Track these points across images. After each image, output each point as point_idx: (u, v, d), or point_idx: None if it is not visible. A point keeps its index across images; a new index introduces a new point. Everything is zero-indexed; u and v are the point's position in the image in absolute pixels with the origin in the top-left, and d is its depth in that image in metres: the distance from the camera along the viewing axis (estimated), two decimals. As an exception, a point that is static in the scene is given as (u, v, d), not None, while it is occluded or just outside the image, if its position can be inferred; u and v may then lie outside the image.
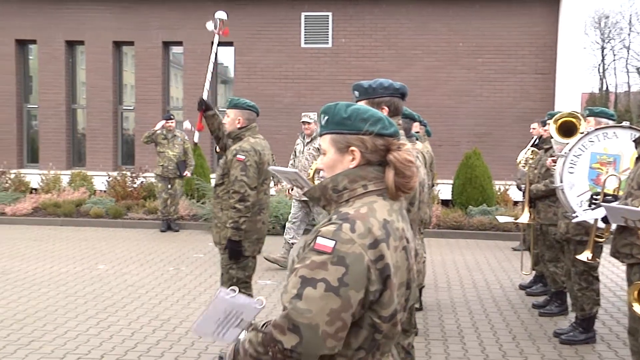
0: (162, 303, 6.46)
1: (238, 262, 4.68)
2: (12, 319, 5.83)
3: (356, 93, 3.13)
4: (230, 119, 4.78)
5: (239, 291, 4.59)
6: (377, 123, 1.86)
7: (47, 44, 14.22)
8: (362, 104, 2.00)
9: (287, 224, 8.12)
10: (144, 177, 12.57)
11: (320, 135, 1.94)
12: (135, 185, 12.43)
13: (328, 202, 1.88)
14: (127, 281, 7.32)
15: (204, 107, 4.96)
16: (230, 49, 14.05)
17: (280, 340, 1.70)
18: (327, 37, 13.63)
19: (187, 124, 6.88)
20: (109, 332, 5.51)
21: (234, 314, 1.99)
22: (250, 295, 4.82)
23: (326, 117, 1.92)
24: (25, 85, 14.80)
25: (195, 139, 5.64)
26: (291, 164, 8.17)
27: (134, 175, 12.55)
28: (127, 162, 14.48)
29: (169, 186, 10.64)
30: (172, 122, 10.60)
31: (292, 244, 7.95)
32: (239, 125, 4.76)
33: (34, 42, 14.40)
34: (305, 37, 13.66)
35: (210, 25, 5.72)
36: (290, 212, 8.28)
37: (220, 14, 5.72)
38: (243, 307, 1.97)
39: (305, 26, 13.64)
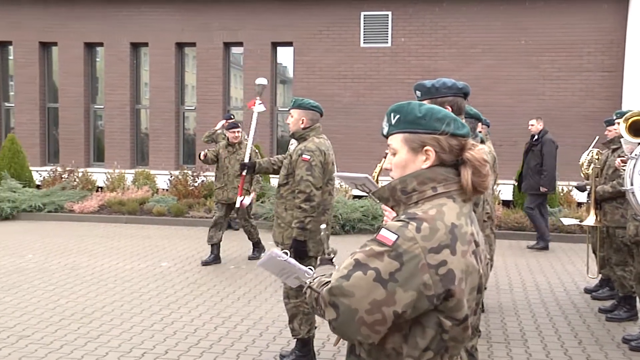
0: (224, 300, 6.56)
1: (302, 262, 4.69)
2: (82, 312, 6.02)
3: (418, 93, 3.11)
4: (294, 119, 4.81)
5: (302, 290, 4.61)
6: (452, 123, 1.84)
7: (113, 46, 14.62)
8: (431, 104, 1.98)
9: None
10: (205, 176, 12.79)
11: (389, 134, 1.93)
12: (196, 184, 12.66)
13: (397, 203, 1.88)
14: (189, 278, 7.46)
15: (246, 172, 5.56)
16: (290, 49, 14.15)
17: (323, 309, 1.75)
18: (387, 36, 13.56)
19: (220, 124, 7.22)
20: (173, 328, 5.63)
21: (288, 271, 2.13)
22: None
23: (397, 116, 1.90)
24: (92, 87, 15.25)
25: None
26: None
27: (195, 174, 12.79)
28: (188, 161, 14.76)
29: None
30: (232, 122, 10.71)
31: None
32: (302, 126, 4.80)
33: (101, 44, 14.83)
34: (364, 37, 13.63)
35: (261, 81, 5.91)
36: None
37: (261, 80, 5.93)
38: (295, 269, 2.10)
39: (364, 26, 13.61)
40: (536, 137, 9.73)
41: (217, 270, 7.88)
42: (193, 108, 14.82)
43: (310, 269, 2.08)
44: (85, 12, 14.52)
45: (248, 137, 5.57)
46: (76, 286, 6.99)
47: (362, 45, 13.68)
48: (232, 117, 10.91)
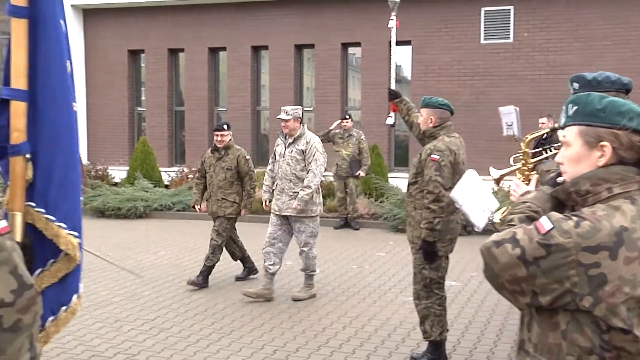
0: (349, 300, 6.59)
1: (432, 263, 4.64)
2: (214, 308, 6.24)
3: (575, 85, 2.96)
4: (423, 118, 4.76)
5: (433, 291, 4.52)
6: (635, 118, 1.73)
7: (235, 50, 15.09)
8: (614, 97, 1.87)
9: (266, 248, 6.54)
10: (324, 176, 12.93)
11: (565, 125, 1.85)
12: (315, 184, 12.82)
13: (575, 204, 1.83)
14: (314, 277, 7.54)
15: (393, 96, 5.17)
16: (407, 48, 14.03)
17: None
18: (509, 31, 13.14)
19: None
20: (302, 327, 5.72)
21: (481, 197, 2.16)
22: (443, 298, 4.76)
23: (575, 108, 1.82)
24: (215, 90, 15.83)
25: (390, 122, 5.77)
26: (270, 169, 6.76)
27: (314, 174, 12.95)
28: (307, 161, 14.96)
29: (344, 185, 10.85)
30: (348, 121, 10.77)
31: (274, 273, 6.52)
32: (431, 125, 4.73)
33: (223, 49, 15.35)
34: (485, 33, 13.28)
35: (391, 23, 5.78)
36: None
37: None
38: (488, 196, 2.13)
39: (485, 21, 13.26)
40: (545, 135, 9.29)
41: (340, 270, 7.93)
42: (311, 109, 15.03)
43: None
44: (210, 18, 15.07)
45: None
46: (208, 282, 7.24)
47: (482, 41, 13.34)
48: (349, 117, 10.98)
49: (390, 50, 13.84)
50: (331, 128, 10.92)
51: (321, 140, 10.99)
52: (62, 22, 2.33)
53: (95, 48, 15.94)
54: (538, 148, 9.39)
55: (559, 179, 1.92)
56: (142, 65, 16.22)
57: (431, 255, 4.60)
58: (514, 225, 1.82)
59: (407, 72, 14.59)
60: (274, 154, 6.74)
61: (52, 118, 2.33)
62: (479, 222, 4.01)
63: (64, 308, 2.41)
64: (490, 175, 4.39)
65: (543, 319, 1.77)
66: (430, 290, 4.71)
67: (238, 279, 7.35)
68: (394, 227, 10.59)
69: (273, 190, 6.73)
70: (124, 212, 12.07)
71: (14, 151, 2.26)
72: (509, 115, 7.66)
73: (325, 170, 12.44)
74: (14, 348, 1.70)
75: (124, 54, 15.84)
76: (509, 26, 13.14)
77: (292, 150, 6.47)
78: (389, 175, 12.85)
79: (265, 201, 6.90)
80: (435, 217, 4.49)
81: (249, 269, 7.47)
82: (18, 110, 2.23)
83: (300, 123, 6.55)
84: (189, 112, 15.57)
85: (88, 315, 5.92)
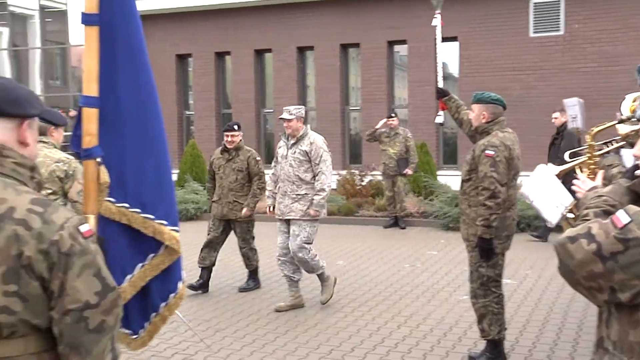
0: (403, 300, 6.54)
1: (488, 260, 4.56)
2: (267, 309, 6.26)
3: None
4: (475, 114, 4.68)
5: (490, 289, 4.44)
6: None
7: (281, 52, 15.17)
8: None
9: (281, 258, 6.27)
10: (372, 175, 12.88)
11: None
12: (363, 184, 12.78)
13: None
14: (366, 277, 7.52)
15: (441, 94, 5.07)
16: (454, 44, 13.87)
17: None
18: (559, 23, 12.88)
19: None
20: (356, 326, 5.70)
21: (554, 193, 2.11)
22: (501, 296, 4.68)
23: None
24: (262, 92, 15.93)
25: (439, 120, 5.68)
26: (272, 172, 6.42)
27: (362, 173, 12.92)
28: (355, 161, 14.95)
29: (392, 184, 10.78)
30: (394, 120, 10.70)
31: (298, 279, 6.35)
32: (484, 120, 4.65)
33: (269, 51, 15.44)
34: (534, 26, 13.05)
35: (435, 21, 5.71)
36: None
37: None
38: (561, 191, 2.08)
39: (534, 14, 13.02)
40: (558, 130, 9.24)
41: (392, 269, 7.88)
42: (358, 108, 15.00)
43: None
44: (255, 21, 15.18)
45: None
46: (262, 282, 7.26)
47: (531, 35, 13.11)
48: (394, 115, 10.91)
49: (435, 46, 13.77)
50: (377, 127, 10.87)
51: (368, 139, 11.06)
52: (134, 27, 2.40)
53: (144, 54, 16.23)
54: (552, 143, 9.26)
55: (637, 172, 1.86)
56: (190, 69, 16.45)
57: (488, 253, 4.52)
58: (589, 219, 1.77)
59: (454, 69, 14.42)
60: (276, 156, 6.41)
61: (142, 123, 2.46)
62: (552, 218, 3.91)
63: (172, 295, 2.59)
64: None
65: (622, 316, 1.72)
66: (487, 288, 4.63)
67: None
68: (445, 225, 10.47)
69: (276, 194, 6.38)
70: (175, 215, 12.23)
71: (86, 155, 2.34)
72: (572, 107, 7.50)
73: (374, 169, 12.51)
74: (99, 349, 1.76)
75: (172, 59, 16.09)
76: (559, 18, 12.88)
77: (295, 151, 6.14)
78: (438, 173, 12.73)
79: (270, 207, 6.47)
80: (492, 214, 4.41)
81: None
82: (90, 116, 2.31)
83: (303, 123, 6.24)
84: (236, 114, 15.71)
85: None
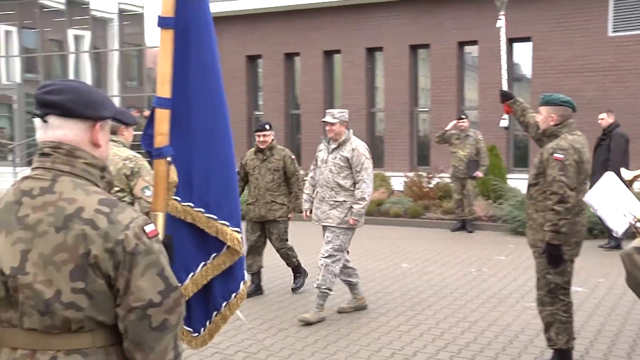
0: (468, 305, 6.42)
1: (556, 267, 4.42)
2: (330, 309, 6.26)
3: None
4: (543, 117, 4.55)
5: (558, 297, 4.31)
6: None
7: (350, 52, 15.17)
8: None
9: (324, 260, 5.98)
10: (440, 177, 12.71)
11: None
12: (430, 186, 12.63)
13: None
14: (430, 280, 7.43)
15: (505, 97, 4.95)
16: (527, 45, 13.53)
17: None
18: (640, 22, 12.38)
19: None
20: (419, 330, 5.63)
21: (622, 201, 2.01)
22: (569, 304, 4.53)
23: None
24: (330, 93, 15.97)
25: (504, 124, 5.55)
26: (311, 176, 6.27)
27: (429, 175, 12.77)
28: (423, 162, 14.79)
29: (461, 186, 10.61)
30: (464, 121, 10.53)
31: (356, 282, 6.26)
32: (552, 123, 4.51)
33: (338, 52, 15.46)
34: (613, 24, 12.57)
35: (500, 23, 5.60)
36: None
37: None
38: (629, 199, 1.98)
39: (614, 12, 12.55)
40: (604, 131, 9.10)
41: (458, 273, 7.75)
42: (427, 110, 14.83)
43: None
44: (324, 22, 15.22)
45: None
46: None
47: (609, 34, 12.63)
48: (465, 116, 10.72)
49: (508, 47, 13.44)
50: (447, 129, 10.73)
51: (437, 141, 10.92)
52: (207, 30, 2.47)
53: (216, 55, 16.54)
54: (598, 144, 9.01)
55: None
56: (259, 70, 16.65)
57: (556, 259, 4.38)
58: None
59: (526, 70, 14.07)
60: (316, 160, 6.20)
61: (210, 124, 2.52)
62: (618, 227, 3.76)
63: (233, 294, 2.62)
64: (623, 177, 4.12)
65: None
66: (555, 295, 4.49)
67: (294, 289, 7.00)
68: (514, 229, 10.23)
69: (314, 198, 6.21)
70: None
71: (157, 154, 2.41)
72: None
73: (441, 171, 12.35)
74: (161, 346, 1.81)
75: (242, 60, 16.33)
76: (640, 16, 12.37)
77: (335, 157, 5.92)
78: (508, 176, 12.45)
79: (306, 211, 6.35)
80: (561, 219, 4.27)
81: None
82: (162, 117, 2.38)
83: (346, 127, 6.03)
84: (305, 115, 15.80)
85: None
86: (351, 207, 5.89)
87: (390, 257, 8.80)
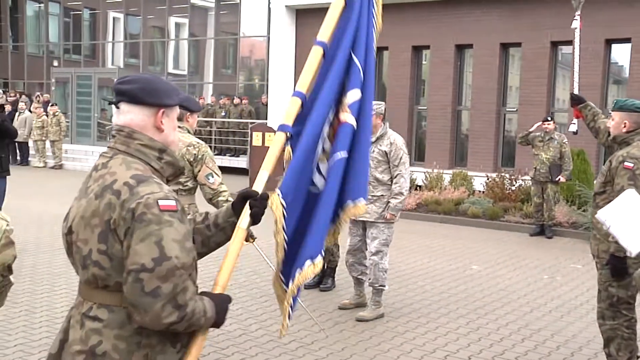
0: (534, 312, 6.26)
1: (620, 280, 4.24)
2: (391, 307, 6.27)
3: None
4: (615, 122, 4.36)
5: (620, 311, 4.14)
6: None
7: (439, 48, 14.96)
8: None
9: (349, 260, 6.11)
10: (523, 180, 12.36)
11: None
12: (513, 188, 12.31)
13: None
14: (499, 284, 7.27)
15: (576, 101, 4.85)
16: (627, 46, 12.91)
17: None
18: None
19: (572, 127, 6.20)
20: (478, 334, 5.55)
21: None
22: (633, 320, 4.34)
23: None
24: (417, 88, 15.83)
25: (573, 129, 5.40)
26: None
27: (512, 177, 12.44)
28: (507, 164, 14.43)
29: (542, 190, 10.28)
30: (549, 124, 10.18)
31: (364, 281, 6.14)
32: (624, 129, 4.32)
33: (427, 47, 15.29)
34: None
35: (575, 24, 5.42)
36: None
37: None
38: None
39: None
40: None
41: (529, 279, 7.55)
42: (515, 110, 14.45)
43: None
44: (414, 17, 15.07)
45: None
46: (390, 281, 7.27)
47: None
48: (550, 118, 10.37)
49: (606, 48, 12.88)
50: (531, 130, 10.41)
51: (520, 142, 10.63)
52: (355, 57, 2.83)
53: (306, 46, 16.72)
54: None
55: None
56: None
57: (620, 272, 4.20)
58: None
59: (626, 73, 13.44)
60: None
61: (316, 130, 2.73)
62: (633, 247, 3.59)
63: (308, 262, 2.57)
64: None
65: None
66: (617, 310, 4.32)
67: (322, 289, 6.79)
68: (596, 238, 9.81)
69: None
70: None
71: (281, 128, 2.64)
72: None
73: (525, 174, 11.99)
74: (154, 311, 1.91)
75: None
76: None
77: (373, 151, 5.77)
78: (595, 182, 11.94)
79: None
80: (627, 231, 4.09)
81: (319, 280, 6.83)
82: (294, 103, 2.66)
83: (382, 120, 5.86)
84: (390, 109, 15.63)
85: (257, 305, 6.25)
86: (388, 202, 5.86)
87: (461, 257, 8.67)
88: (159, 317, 1.92)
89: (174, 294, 1.92)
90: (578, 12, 5.22)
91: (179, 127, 4.44)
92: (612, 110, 4.40)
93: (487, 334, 5.56)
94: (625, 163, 4.14)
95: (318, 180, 2.73)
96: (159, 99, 2.12)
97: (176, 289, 1.93)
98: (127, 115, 2.11)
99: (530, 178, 10.68)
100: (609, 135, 4.46)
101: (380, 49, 15.93)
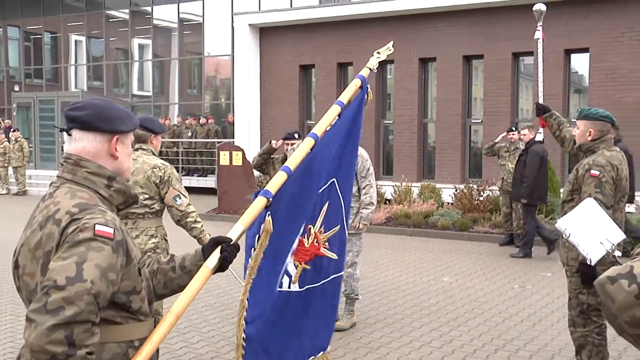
0: (506, 322, 6.27)
1: (590, 287, 4.27)
2: (364, 322, 6.23)
3: None
4: (580, 131, 4.41)
5: (591, 318, 4.16)
6: None
7: (403, 62, 15.08)
8: None
9: (347, 271, 5.95)
10: (491, 190, 12.47)
11: None
12: (481, 199, 12.40)
13: None
14: (470, 295, 7.28)
15: (541, 111, 4.91)
16: (585, 56, 13.17)
17: None
18: None
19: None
20: (451, 347, 5.53)
21: (598, 229, 1.95)
22: (603, 326, 4.37)
23: None
24: (382, 103, 15.91)
25: (539, 138, 5.50)
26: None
27: (480, 188, 12.54)
28: (474, 175, 14.56)
29: (510, 200, 10.35)
30: (514, 134, 10.30)
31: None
32: (590, 138, 4.37)
33: (391, 62, 15.40)
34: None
35: (537, 34, 5.53)
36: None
37: (539, 6, 5.47)
38: (609, 226, 1.92)
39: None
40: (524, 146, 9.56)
41: (500, 289, 7.58)
42: (480, 121, 14.61)
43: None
44: (377, 32, 15.18)
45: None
46: (362, 296, 7.24)
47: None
48: (515, 129, 10.49)
49: (565, 58, 13.12)
50: (496, 141, 10.52)
51: (486, 153, 10.73)
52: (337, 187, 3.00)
53: (270, 64, 16.73)
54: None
55: None
56: (313, 79, 16.75)
57: (590, 279, 4.22)
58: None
59: (585, 82, 13.69)
60: None
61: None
62: (592, 255, 3.64)
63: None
64: None
65: None
66: (587, 317, 4.34)
67: None
68: (565, 246, 9.92)
69: None
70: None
71: (263, 193, 2.60)
72: None
73: (492, 184, 12.10)
74: (42, 331, 1.71)
75: (295, 69, 16.46)
76: None
77: None
78: (561, 190, 12.09)
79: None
80: (595, 239, 4.12)
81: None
82: (308, 144, 2.79)
83: None
84: (357, 124, 15.77)
85: (228, 327, 6.16)
86: (358, 212, 5.93)
87: (432, 270, 8.68)
88: (43, 339, 1.69)
89: (73, 321, 1.72)
90: (540, 23, 5.29)
91: (143, 148, 4.39)
92: (576, 119, 4.45)
93: (460, 346, 5.54)
94: (592, 171, 4.19)
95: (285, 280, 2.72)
96: (114, 125, 2.05)
97: (78, 316, 1.73)
98: (79, 142, 2.04)
99: (497, 188, 10.77)
100: (575, 143, 4.51)
101: (344, 65, 16.01)
